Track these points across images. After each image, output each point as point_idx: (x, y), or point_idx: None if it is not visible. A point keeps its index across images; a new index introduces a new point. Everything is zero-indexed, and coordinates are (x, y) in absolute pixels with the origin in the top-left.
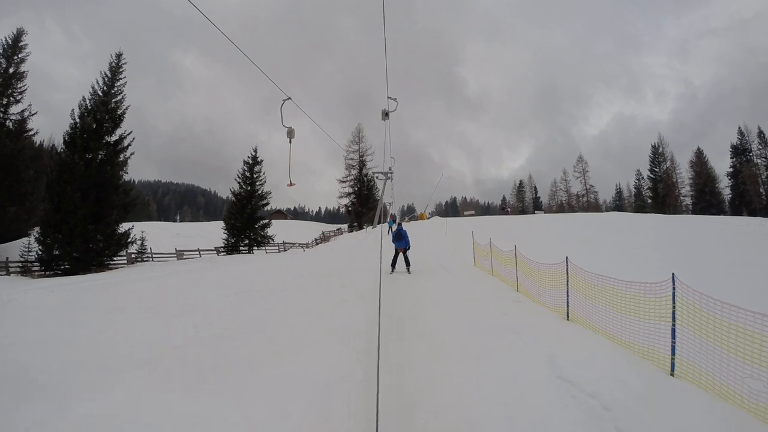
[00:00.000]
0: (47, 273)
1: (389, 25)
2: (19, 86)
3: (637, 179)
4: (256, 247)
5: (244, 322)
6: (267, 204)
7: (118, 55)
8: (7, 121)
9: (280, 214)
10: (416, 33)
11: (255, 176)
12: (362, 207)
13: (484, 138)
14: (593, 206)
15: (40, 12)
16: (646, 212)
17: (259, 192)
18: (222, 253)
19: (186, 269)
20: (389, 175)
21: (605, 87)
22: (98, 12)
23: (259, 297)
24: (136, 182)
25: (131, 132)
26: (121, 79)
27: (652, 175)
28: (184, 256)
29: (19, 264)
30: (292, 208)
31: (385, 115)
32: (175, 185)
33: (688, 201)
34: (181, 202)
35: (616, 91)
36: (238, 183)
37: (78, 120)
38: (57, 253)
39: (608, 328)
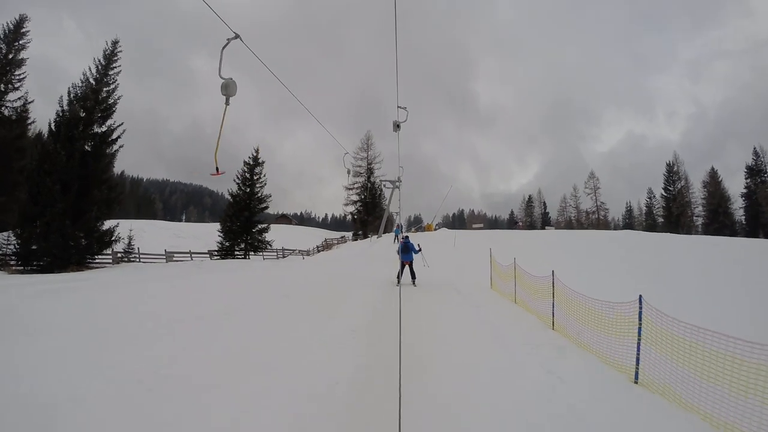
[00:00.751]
0: (26, 268)
1: (401, 37)
2: (17, 73)
3: (649, 198)
4: (252, 253)
5: (178, 371)
6: (266, 207)
7: (114, 42)
8: (2, 108)
9: (285, 219)
10: (429, 47)
11: (255, 178)
12: (368, 215)
13: (493, 152)
14: (603, 224)
15: (58, 9)
16: (657, 231)
17: (259, 195)
18: (215, 257)
19: (167, 274)
20: (397, 183)
21: (617, 105)
22: (113, 11)
23: (222, 325)
24: (144, 180)
25: (122, 124)
26: (115, 67)
27: (666, 194)
28: (174, 258)
29: None
30: (298, 214)
31: (397, 126)
32: (183, 185)
33: (699, 221)
34: (187, 202)
35: (627, 109)
36: (237, 184)
37: (66, 108)
38: (35, 247)
39: (717, 412)
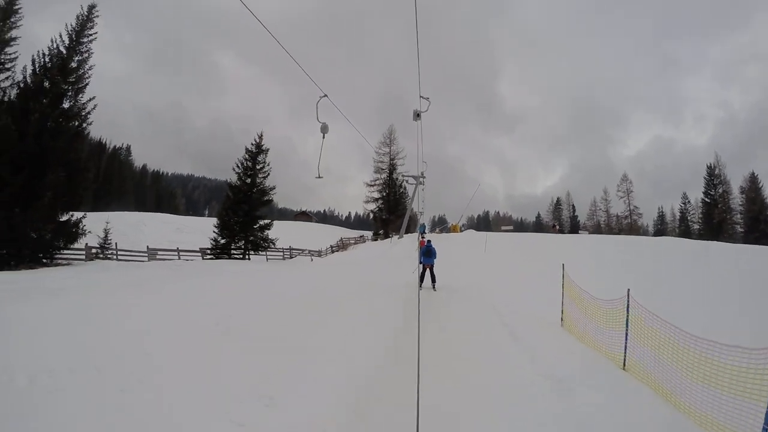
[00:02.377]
0: None
1: (426, 33)
2: (9, 52)
3: (684, 203)
4: (253, 252)
5: None
6: (270, 201)
7: (91, 7)
8: None
9: (305, 216)
10: (454, 47)
11: (258, 167)
12: (390, 214)
13: (519, 153)
14: (634, 229)
15: (83, 2)
16: (693, 238)
17: (261, 186)
18: (208, 257)
19: (129, 281)
20: (420, 179)
21: (644, 108)
22: (139, 5)
23: (106, 392)
24: (168, 174)
25: (93, 98)
26: (90, 35)
27: (707, 199)
28: (158, 257)
29: None
30: (321, 211)
31: (417, 116)
32: (207, 180)
33: (736, 228)
34: (210, 198)
35: (655, 112)
36: (237, 174)
37: (29, 78)
38: None
39: None
